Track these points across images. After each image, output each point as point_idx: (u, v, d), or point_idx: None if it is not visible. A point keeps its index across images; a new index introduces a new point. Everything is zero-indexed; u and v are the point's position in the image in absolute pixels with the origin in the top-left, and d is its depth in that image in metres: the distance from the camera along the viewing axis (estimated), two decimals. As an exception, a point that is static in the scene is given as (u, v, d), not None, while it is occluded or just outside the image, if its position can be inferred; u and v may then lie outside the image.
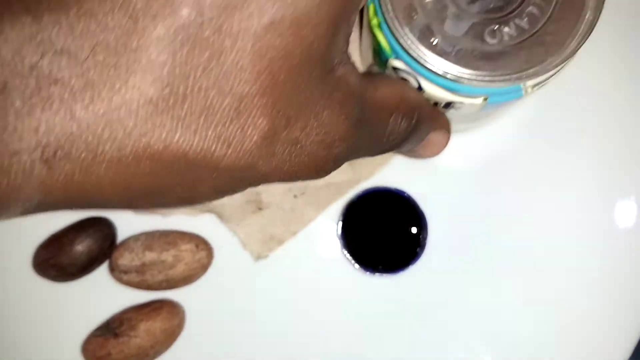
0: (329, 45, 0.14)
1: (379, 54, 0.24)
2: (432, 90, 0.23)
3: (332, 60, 0.15)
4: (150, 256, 0.31)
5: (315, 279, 0.33)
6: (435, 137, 0.23)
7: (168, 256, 0.31)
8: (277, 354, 0.33)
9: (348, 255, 0.32)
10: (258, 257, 0.32)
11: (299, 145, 0.14)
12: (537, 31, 0.22)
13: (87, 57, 0.12)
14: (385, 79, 0.20)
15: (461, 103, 0.24)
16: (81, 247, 0.31)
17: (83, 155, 0.12)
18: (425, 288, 0.32)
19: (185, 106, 0.12)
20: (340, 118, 0.15)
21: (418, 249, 0.32)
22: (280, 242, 0.32)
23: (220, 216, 0.32)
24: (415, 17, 0.22)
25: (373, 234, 0.32)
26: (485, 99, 0.23)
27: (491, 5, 0.22)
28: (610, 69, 0.34)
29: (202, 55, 0.12)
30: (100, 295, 0.32)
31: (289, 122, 0.14)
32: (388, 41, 0.22)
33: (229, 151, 0.13)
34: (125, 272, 0.31)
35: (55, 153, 0.12)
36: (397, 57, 0.22)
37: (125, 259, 0.31)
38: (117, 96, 0.12)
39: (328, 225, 0.33)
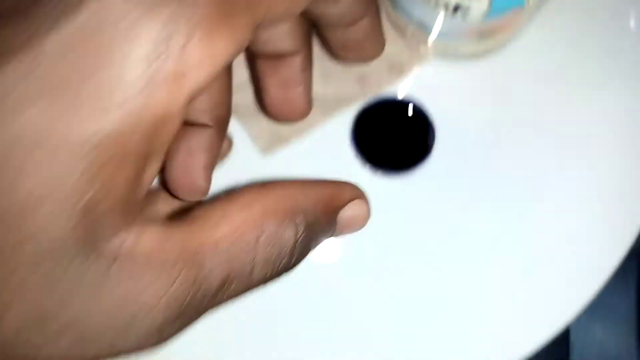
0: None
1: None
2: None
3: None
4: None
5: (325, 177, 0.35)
6: (348, 215, 0.19)
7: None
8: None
9: (359, 155, 0.34)
10: (266, 152, 0.35)
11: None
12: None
13: None
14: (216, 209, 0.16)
15: (468, 7, 0.26)
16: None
17: None
18: (434, 188, 0.35)
19: None
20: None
21: (426, 152, 0.34)
22: (288, 140, 0.35)
23: (236, 111, 0.34)
24: None
25: (383, 139, 0.35)
26: (489, 3, 0.25)
27: None
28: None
29: None
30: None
31: None
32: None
33: None
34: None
35: None
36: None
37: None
38: None
39: (337, 129, 0.35)
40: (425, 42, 0.34)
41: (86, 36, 0.12)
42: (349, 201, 0.19)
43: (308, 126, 0.35)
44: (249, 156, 0.35)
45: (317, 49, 0.29)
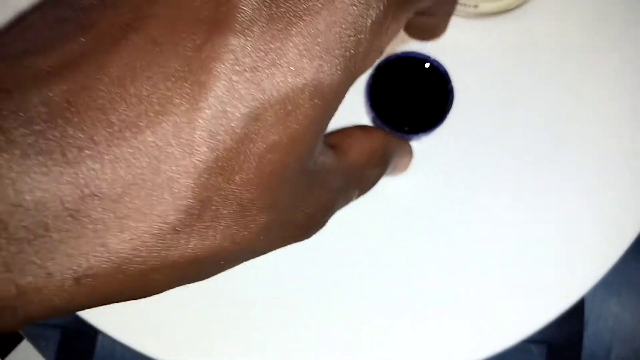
0: (315, 149, 0.17)
1: None
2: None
3: (316, 156, 0.17)
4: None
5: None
6: (401, 162, 0.25)
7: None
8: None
9: (372, 114, 0.33)
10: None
11: (290, 223, 0.18)
12: None
13: (118, 197, 0.14)
14: (353, 139, 0.22)
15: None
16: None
17: (110, 272, 0.14)
18: (452, 147, 0.35)
19: (199, 223, 0.15)
20: (321, 194, 0.18)
21: (444, 112, 0.33)
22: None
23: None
24: None
25: (399, 97, 0.33)
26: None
27: None
28: None
29: (217, 180, 0.15)
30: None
31: (282, 211, 0.17)
32: None
33: (234, 245, 0.16)
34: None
35: (85, 274, 0.14)
36: None
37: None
38: (143, 224, 0.14)
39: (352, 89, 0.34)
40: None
41: None
42: (405, 155, 0.25)
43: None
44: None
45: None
